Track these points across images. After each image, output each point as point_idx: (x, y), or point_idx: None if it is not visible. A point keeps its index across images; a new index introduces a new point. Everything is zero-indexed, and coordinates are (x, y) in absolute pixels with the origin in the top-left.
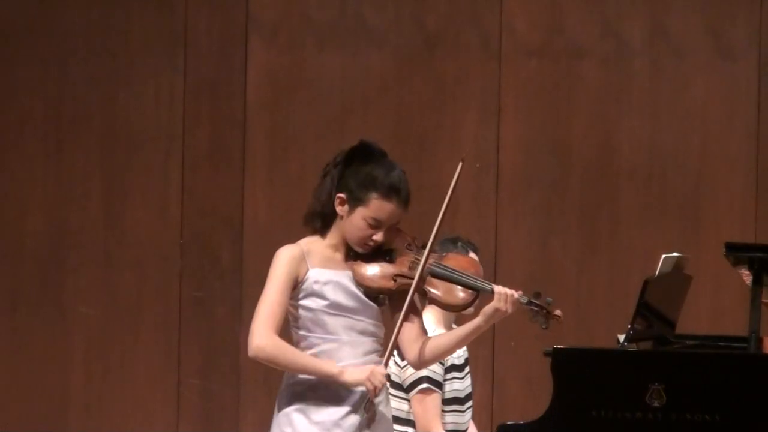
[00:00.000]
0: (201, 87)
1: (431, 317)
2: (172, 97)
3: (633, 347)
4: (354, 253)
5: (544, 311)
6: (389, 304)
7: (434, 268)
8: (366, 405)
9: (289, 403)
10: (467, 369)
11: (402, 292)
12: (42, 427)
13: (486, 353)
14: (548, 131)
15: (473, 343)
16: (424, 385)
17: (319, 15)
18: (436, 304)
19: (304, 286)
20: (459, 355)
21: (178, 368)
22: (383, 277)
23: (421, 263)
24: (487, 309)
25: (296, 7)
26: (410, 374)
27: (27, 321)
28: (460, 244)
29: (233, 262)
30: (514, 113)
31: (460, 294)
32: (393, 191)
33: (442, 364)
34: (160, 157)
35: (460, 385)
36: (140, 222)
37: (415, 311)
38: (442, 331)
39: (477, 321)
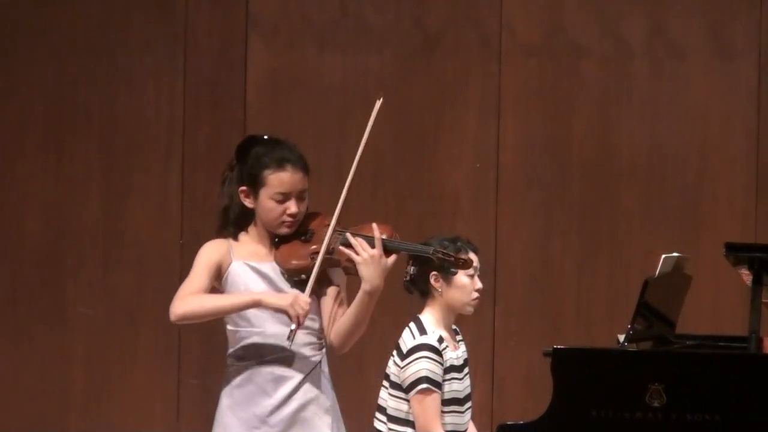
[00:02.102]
0: (201, 87)
1: (431, 318)
2: (172, 97)
3: (633, 347)
4: (277, 241)
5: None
6: (317, 288)
7: (345, 237)
8: (290, 334)
9: (222, 396)
10: (466, 369)
11: (322, 271)
12: (42, 427)
13: (486, 353)
14: (548, 131)
15: (473, 343)
16: (424, 386)
17: (319, 15)
18: (351, 273)
19: (228, 280)
20: (458, 356)
21: (178, 368)
22: (300, 256)
23: (328, 235)
24: (358, 267)
25: (296, 7)
26: (409, 374)
27: (27, 321)
28: (459, 243)
29: None
30: (514, 113)
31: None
32: (284, 160)
33: (441, 365)
34: (160, 157)
35: (459, 385)
36: (140, 222)
37: (332, 287)
38: (441, 332)
39: (362, 285)
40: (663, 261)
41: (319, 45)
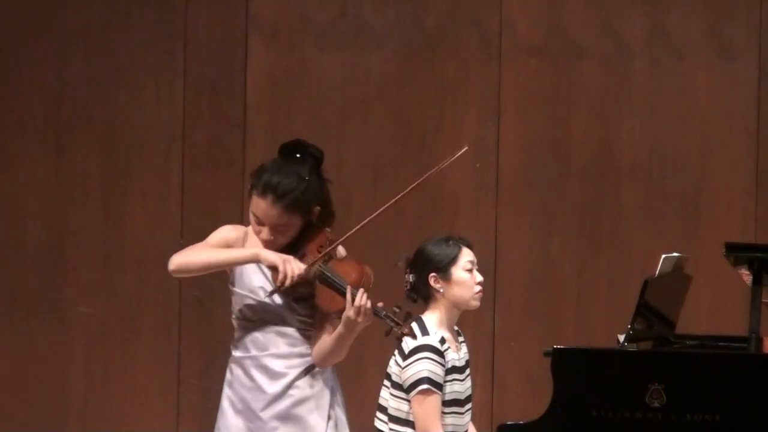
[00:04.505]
0: (201, 87)
1: (434, 318)
2: (172, 97)
3: (633, 347)
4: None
5: (398, 326)
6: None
7: (322, 272)
8: (272, 290)
9: (223, 388)
10: (468, 371)
11: (306, 294)
12: (42, 427)
13: (486, 353)
14: (548, 131)
15: (473, 343)
16: (424, 386)
17: (319, 15)
18: (318, 308)
19: (237, 270)
20: (460, 357)
21: (178, 368)
22: None
23: (311, 266)
24: (344, 317)
25: (296, 7)
26: (411, 375)
27: (27, 321)
28: (451, 241)
29: None
30: (514, 113)
31: (332, 300)
32: (268, 189)
33: (443, 366)
34: (160, 157)
35: (460, 386)
36: (140, 222)
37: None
38: (444, 333)
39: (339, 329)
40: (663, 261)
41: (319, 45)
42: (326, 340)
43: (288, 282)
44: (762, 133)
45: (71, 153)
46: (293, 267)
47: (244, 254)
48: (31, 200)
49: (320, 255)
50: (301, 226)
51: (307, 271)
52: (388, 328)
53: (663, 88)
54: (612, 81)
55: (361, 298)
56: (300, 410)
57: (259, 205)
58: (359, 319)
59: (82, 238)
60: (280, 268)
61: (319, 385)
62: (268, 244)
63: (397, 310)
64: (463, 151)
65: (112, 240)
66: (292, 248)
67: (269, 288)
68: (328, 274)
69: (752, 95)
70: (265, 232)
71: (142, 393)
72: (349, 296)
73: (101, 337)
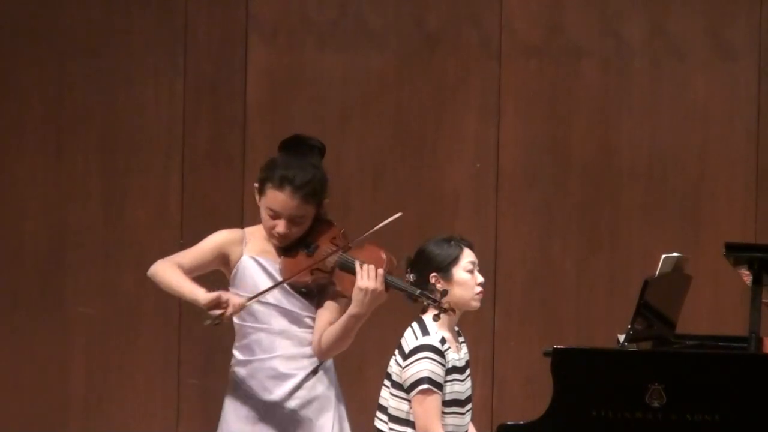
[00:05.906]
0: (201, 87)
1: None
2: (172, 97)
3: (633, 347)
4: (282, 250)
5: (435, 302)
6: (319, 297)
7: (341, 260)
8: (209, 321)
9: (226, 392)
10: (468, 371)
11: (322, 286)
12: (42, 427)
13: (486, 354)
14: (548, 131)
15: (473, 343)
16: (425, 386)
17: (319, 15)
18: (342, 295)
19: (237, 273)
20: (460, 357)
21: (178, 368)
22: (301, 270)
23: (330, 255)
24: (355, 291)
25: (296, 7)
26: (411, 374)
27: (27, 321)
28: (453, 242)
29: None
30: (514, 113)
31: (353, 284)
32: (285, 181)
33: (443, 366)
34: (160, 157)
35: (460, 387)
36: (140, 222)
37: (333, 300)
38: (444, 333)
39: (350, 308)
40: (663, 261)
41: (319, 45)
42: (331, 330)
43: (230, 312)
44: (762, 133)
45: (71, 153)
46: (231, 299)
47: (190, 292)
48: (31, 200)
49: (339, 246)
50: (313, 217)
51: (323, 263)
52: (424, 307)
53: (663, 88)
54: (612, 81)
55: (369, 267)
56: (307, 412)
57: (277, 197)
58: (370, 285)
59: (82, 238)
60: (223, 299)
61: (324, 385)
62: (283, 238)
63: (434, 288)
64: (397, 216)
65: (112, 240)
66: (303, 242)
67: (281, 295)
68: (349, 260)
69: (752, 95)
70: (281, 225)
71: (142, 393)
72: (357, 267)
73: (101, 337)
